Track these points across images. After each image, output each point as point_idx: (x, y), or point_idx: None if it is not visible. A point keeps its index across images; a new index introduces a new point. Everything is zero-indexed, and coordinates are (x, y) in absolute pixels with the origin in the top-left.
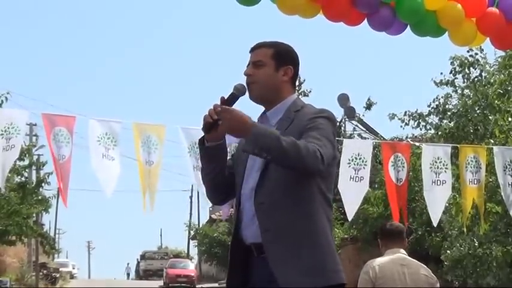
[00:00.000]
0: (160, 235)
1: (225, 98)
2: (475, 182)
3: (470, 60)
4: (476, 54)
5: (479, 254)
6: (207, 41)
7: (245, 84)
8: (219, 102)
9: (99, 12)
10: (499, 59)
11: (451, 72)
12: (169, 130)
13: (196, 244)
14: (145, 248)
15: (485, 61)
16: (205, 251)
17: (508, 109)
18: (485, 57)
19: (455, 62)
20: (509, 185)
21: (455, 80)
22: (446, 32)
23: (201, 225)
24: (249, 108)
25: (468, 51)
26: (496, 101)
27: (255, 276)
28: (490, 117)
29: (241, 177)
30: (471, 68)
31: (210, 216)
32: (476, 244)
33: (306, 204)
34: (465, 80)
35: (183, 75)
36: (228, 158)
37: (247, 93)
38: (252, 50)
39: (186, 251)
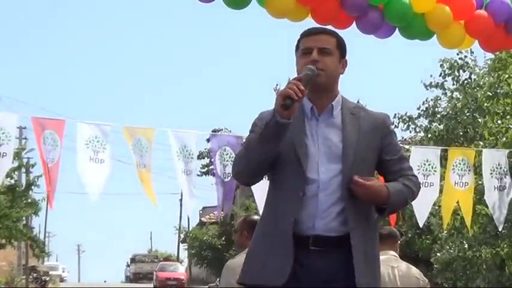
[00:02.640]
0: (150, 238)
1: (301, 77)
2: (463, 185)
3: (459, 62)
4: (465, 56)
5: (469, 256)
6: (197, 43)
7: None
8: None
9: (89, 15)
10: (489, 62)
11: (440, 75)
12: (158, 133)
13: (186, 247)
14: (135, 251)
15: (474, 64)
16: (196, 254)
17: (498, 111)
18: (474, 59)
19: (444, 65)
20: (495, 188)
21: (445, 83)
22: (435, 35)
23: (191, 228)
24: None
25: (458, 54)
26: (486, 104)
27: (307, 269)
28: (480, 120)
29: (305, 162)
30: (461, 71)
31: (200, 219)
32: (465, 246)
33: (371, 209)
34: (455, 83)
35: (172, 78)
36: None
37: None
38: (313, 33)
39: (176, 254)
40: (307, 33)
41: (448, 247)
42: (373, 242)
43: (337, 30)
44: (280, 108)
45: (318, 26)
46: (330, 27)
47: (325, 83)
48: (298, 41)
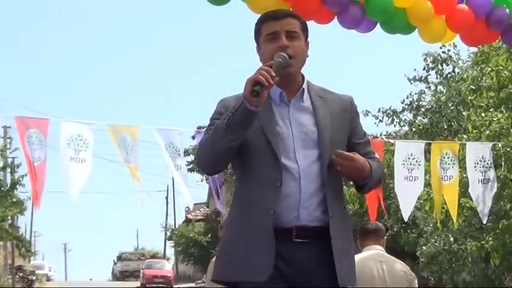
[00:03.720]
0: (137, 236)
1: (271, 64)
2: (448, 178)
3: (443, 56)
4: (449, 50)
5: (455, 249)
6: (182, 40)
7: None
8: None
9: (71, 13)
10: (472, 55)
11: (424, 69)
12: (143, 131)
13: (172, 244)
14: (122, 249)
15: (458, 57)
16: (182, 251)
17: (481, 104)
18: (458, 53)
19: (428, 59)
20: (479, 181)
21: (429, 77)
22: (416, 30)
23: (177, 226)
24: None
25: (441, 48)
26: (469, 97)
27: (290, 262)
28: (464, 113)
29: (280, 151)
30: (444, 64)
31: (186, 217)
32: (451, 240)
33: (344, 203)
34: (438, 76)
35: (157, 76)
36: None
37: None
38: (278, 18)
39: (162, 252)
40: (271, 17)
41: (433, 241)
42: (349, 230)
43: (319, 25)
44: (250, 94)
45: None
46: (311, 22)
47: (296, 70)
48: (259, 25)
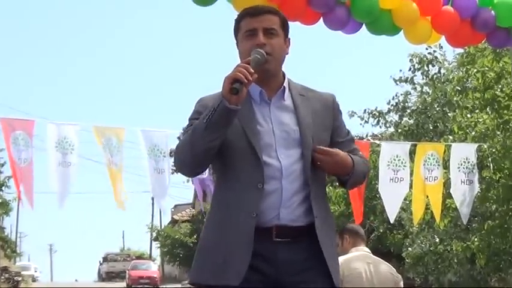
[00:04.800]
0: (123, 237)
1: (249, 60)
2: (432, 179)
3: (429, 57)
4: (434, 51)
5: (440, 250)
6: (166, 42)
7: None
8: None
9: (59, 15)
10: (457, 56)
11: (410, 70)
12: (129, 132)
13: (158, 245)
14: (107, 250)
15: (444, 58)
16: (168, 252)
17: (467, 105)
18: (444, 54)
19: (414, 59)
20: (462, 182)
21: (414, 77)
22: (402, 31)
23: (163, 227)
24: None
25: (427, 49)
26: (455, 98)
27: (271, 263)
28: (449, 114)
29: (261, 150)
30: (430, 65)
31: (172, 217)
32: (436, 241)
33: (327, 202)
34: (424, 77)
35: (143, 77)
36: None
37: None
38: (257, 14)
39: (148, 253)
40: (250, 13)
41: (419, 241)
42: (333, 229)
43: (305, 26)
44: (229, 92)
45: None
46: (297, 23)
47: (274, 67)
48: (238, 21)
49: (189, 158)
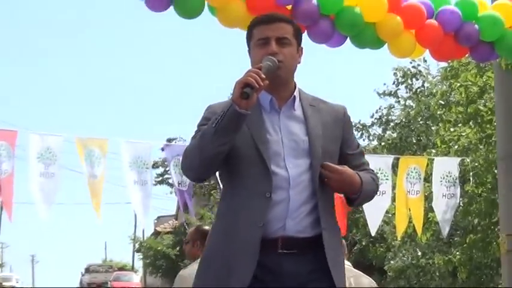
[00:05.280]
0: (105, 248)
1: (261, 66)
2: (415, 193)
3: (412, 71)
4: (418, 65)
5: (422, 264)
6: (150, 51)
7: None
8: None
9: (41, 23)
10: (441, 70)
11: (394, 83)
12: (112, 143)
13: (141, 257)
14: (90, 261)
15: (427, 72)
16: (150, 264)
17: (450, 119)
18: (427, 68)
19: (398, 73)
20: (443, 195)
21: (398, 91)
22: (386, 44)
23: (145, 238)
24: None
25: (411, 62)
26: (438, 112)
27: (276, 274)
28: (433, 128)
29: (270, 159)
30: (414, 79)
31: (154, 229)
32: (419, 254)
33: (335, 214)
34: (408, 91)
35: (127, 87)
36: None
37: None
38: (269, 22)
39: (131, 264)
40: (263, 21)
41: (401, 255)
42: (340, 243)
43: None
44: (240, 97)
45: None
46: None
47: (285, 76)
48: (251, 28)
49: (197, 163)
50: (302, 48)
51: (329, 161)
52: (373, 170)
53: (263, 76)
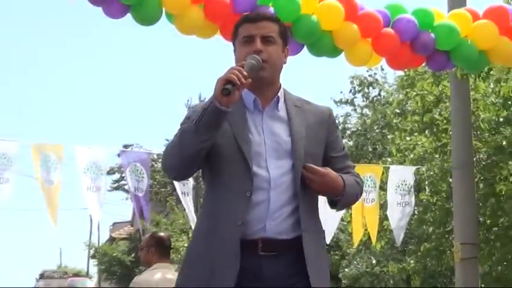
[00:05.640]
0: (60, 254)
1: (243, 64)
2: (369, 201)
3: (369, 79)
4: (375, 74)
5: (377, 271)
6: (105, 58)
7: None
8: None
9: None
10: (398, 79)
11: (350, 91)
12: (67, 149)
13: (96, 263)
14: (44, 267)
15: (384, 80)
16: (105, 270)
17: (406, 128)
18: (385, 76)
19: (355, 81)
20: (398, 204)
21: (355, 99)
22: (343, 52)
23: (100, 244)
24: None
25: (368, 71)
26: (394, 120)
27: (256, 277)
28: (389, 137)
29: (251, 159)
30: (370, 88)
31: (110, 235)
32: (373, 262)
33: (318, 214)
34: (364, 99)
35: (83, 93)
36: None
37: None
38: (255, 20)
39: (85, 270)
40: (249, 20)
41: (356, 262)
42: (323, 246)
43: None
44: (221, 93)
45: (259, 12)
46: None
47: (269, 75)
48: (237, 27)
49: (178, 161)
50: (288, 48)
51: (312, 162)
52: (358, 174)
53: (245, 73)
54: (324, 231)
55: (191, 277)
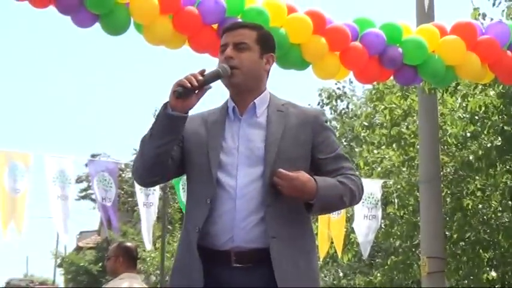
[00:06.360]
0: (27, 263)
1: (205, 72)
2: (336, 214)
3: (337, 92)
4: (344, 86)
5: (344, 284)
6: (78, 66)
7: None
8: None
9: None
10: (366, 92)
11: (318, 104)
12: (35, 158)
13: (62, 272)
14: (10, 276)
15: (353, 93)
16: (72, 279)
17: (373, 141)
18: (353, 89)
19: (323, 94)
20: (364, 216)
21: None
22: (310, 66)
23: (67, 253)
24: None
25: (336, 84)
26: (362, 133)
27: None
28: (356, 150)
29: (217, 167)
30: (338, 100)
31: (77, 244)
32: (340, 275)
33: (305, 218)
34: (333, 112)
35: (51, 102)
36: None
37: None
38: (230, 29)
39: (52, 279)
40: (226, 29)
41: (323, 275)
42: (306, 251)
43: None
44: (172, 95)
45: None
46: (206, 55)
47: (243, 82)
48: (220, 37)
49: (140, 167)
50: (272, 55)
51: (289, 166)
52: (355, 175)
53: (199, 78)
54: (309, 235)
55: (172, 281)
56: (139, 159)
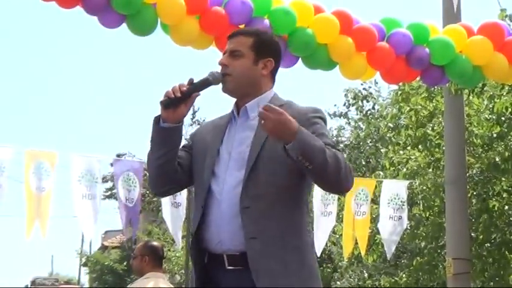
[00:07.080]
0: (52, 261)
1: (194, 81)
2: (361, 214)
3: (363, 93)
4: (369, 87)
5: (369, 285)
6: (100, 67)
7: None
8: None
9: None
10: (392, 93)
11: (344, 104)
12: (61, 157)
13: (87, 271)
14: (35, 274)
15: (378, 94)
16: (97, 278)
17: (399, 142)
18: (379, 90)
19: (349, 95)
20: (390, 217)
21: (349, 112)
22: (337, 66)
23: (92, 252)
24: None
25: (362, 84)
26: (388, 134)
27: None
28: (382, 150)
29: (210, 172)
30: (364, 101)
31: (102, 243)
32: (365, 276)
33: (296, 215)
34: (358, 113)
35: (77, 102)
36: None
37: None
38: (231, 36)
39: (77, 278)
40: (228, 36)
41: (348, 276)
42: (291, 248)
43: None
44: (160, 105)
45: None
46: None
47: (235, 88)
48: None
49: (149, 179)
50: (269, 60)
51: (273, 164)
52: (339, 151)
53: (184, 89)
54: (298, 230)
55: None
56: (148, 170)
